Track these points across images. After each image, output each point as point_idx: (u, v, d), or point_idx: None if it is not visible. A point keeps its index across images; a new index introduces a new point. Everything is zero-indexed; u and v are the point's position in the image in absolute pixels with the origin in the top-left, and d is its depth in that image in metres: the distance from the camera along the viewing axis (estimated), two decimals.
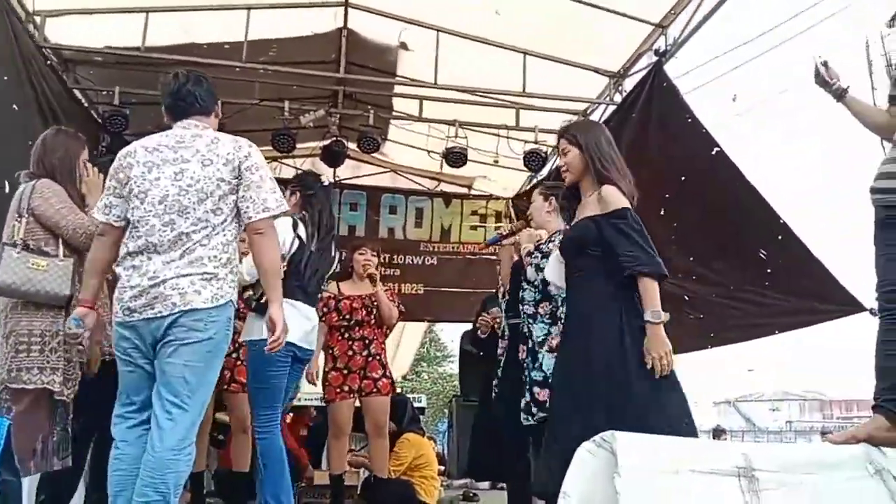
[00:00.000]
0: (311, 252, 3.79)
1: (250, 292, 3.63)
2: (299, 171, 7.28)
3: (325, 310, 4.56)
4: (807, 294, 4.97)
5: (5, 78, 4.65)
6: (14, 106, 4.68)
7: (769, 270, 5.04)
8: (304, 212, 3.87)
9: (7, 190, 4.07)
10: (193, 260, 2.66)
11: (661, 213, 5.45)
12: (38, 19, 5.47)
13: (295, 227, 3.74)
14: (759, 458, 2.32)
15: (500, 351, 4.19)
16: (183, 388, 2.60)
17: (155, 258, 2.66)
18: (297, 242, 3.72)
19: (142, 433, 2.65)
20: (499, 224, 7.90)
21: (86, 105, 6.29)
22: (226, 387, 4.41)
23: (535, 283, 3.67)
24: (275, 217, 2.85)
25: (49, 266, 3.00)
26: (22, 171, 3.27)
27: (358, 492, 5.37)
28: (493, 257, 6.14)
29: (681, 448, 2.39)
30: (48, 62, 5.47)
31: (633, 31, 5.61)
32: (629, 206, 2.93)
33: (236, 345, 4.31)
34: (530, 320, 3.70)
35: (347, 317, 4.61)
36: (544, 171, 7.14)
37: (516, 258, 4.07)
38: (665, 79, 5.39)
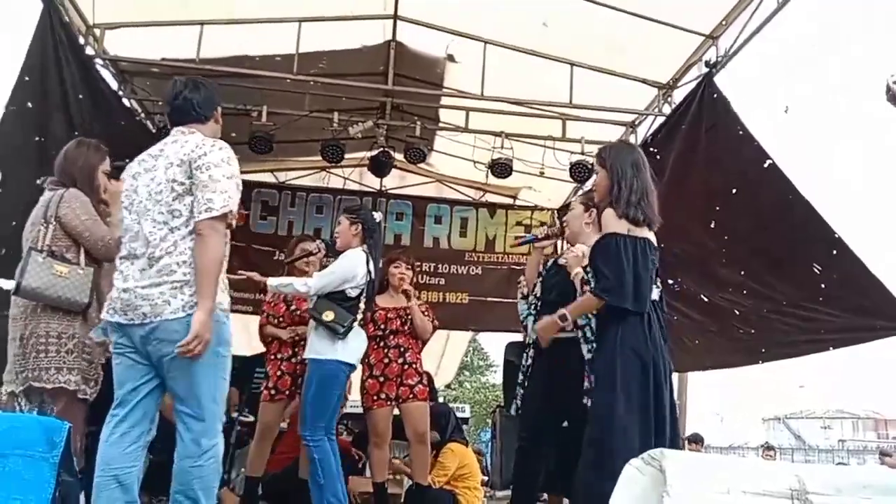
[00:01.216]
0: (373, 283, 4.11)
1: (331, 316, 3.88)
2: (355, 204, 7.45)
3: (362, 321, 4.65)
4: (862, 310, 4.83)
5: (27, 78, 4.79)
6: (28, 104, 4.80)
7: (823, 285, 4.91)
8: (365, 244, 4.10)
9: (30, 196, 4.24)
10: (161, 268, 2.63)
11: (712, 225, 5.38)
12: (97, 32, 5.66)
13: (367, 261, 4.02)
14: (813, 480, 2.26)
15: (527, 360, 4.07)
16: (188, 397, 2.65)
17: (135, 263, 2.68)
18: (367, 276, 4.02)
19: (124, 432, 2.64)
20: (542, 223, 7.85)
21: (140, 116, 6.47)
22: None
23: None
24: (216, 218, 2.64)
25: (70, 273, 3.11)
26: (46, 178, 3.37)
27: (402, 500, 5.38)
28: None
29: (731, 468, 2.35)
30: (98, 72, 5.61)
31: (682, 42, 5.56)
32: (618, 231, 3.09)
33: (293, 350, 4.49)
34: (588, 345, 3.67)
35: (382, 326, 4.66)
36: (590, 183, 7.09)
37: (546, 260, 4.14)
38: (715, 90, 5.31)
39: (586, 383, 3.61)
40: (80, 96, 5.11)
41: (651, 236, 3.23)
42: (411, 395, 4.62)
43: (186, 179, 2.67)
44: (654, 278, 3.26)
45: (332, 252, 4.31)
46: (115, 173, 3.00)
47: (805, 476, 2.27)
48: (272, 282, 4.09)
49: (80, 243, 3.21)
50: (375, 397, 4.61)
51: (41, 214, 3.23)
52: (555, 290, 3.89)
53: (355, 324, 3.96)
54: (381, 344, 4.66)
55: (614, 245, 3.09)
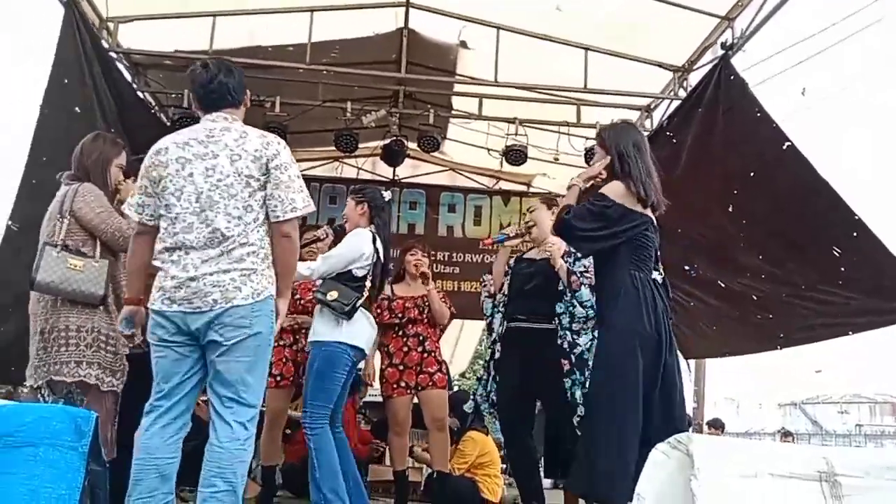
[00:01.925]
0: (382, 264, 3.96)
1: (334, 295, 3.72)
2: (361, 185, 7.42)
3: (378, 311, 4.59)
4: (884, 293, 4.78)
5: (66, 81, 4.81)
6: (77, 109, 4.84)
7: (843, 268, 4.86)
8: (372, 224, 3.98)
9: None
10: (233, 258, 2.66)
11: (730, 209, 5.34)
12: (111, 26, 5.67)
13: (374, 240, 3.88)
14: (842, 463, 2.25)
15: (493, 355, 4.11)
16: (239, 384, 2.65)
17: (192, 253, 2.65)
18: (374, 256, 3.85)
19: (167, 423, 2.65)
20: (508, 223, 7.83)
21: (156, 108, 6.49)
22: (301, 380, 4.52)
23: (591, 303, 3.67)
24: (299, 217, 2.77)
25: (85, 267, 3.11)
26: (64, 173, 3.38)
27: (422, 488, 5.41)
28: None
29: (759, 451, 2.34)
30: (116, 66, 5.65)
31: (698, 24, 5.49)
32: (617, 200, 3.11)
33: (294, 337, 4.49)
34: (574, 335, 3.75)
35: (400, 315, 4.65)
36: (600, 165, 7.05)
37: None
38: (732, 72, 5.24)
39: (566, 366, 3.70)
40: (107, 91, 5.16)
41: (652, 217, 3.23)
42: (430, 383, 4.61)
43: (261, 176, 2.71)
44: (656, 262, 3.27)
45: (341, 234, 4.26)
46: (136, 166, 2.98)
47: (833, 458, 2.25)
48: (302, 274, 3.91)
49: (96, 236, 3.21)
50: (395, 386, 4.61)
51: (57, 209, 3.24)
52: (535, 278, 3.96)
53: (360, 303, 3.78)
54: (400, 333, 4.66)
55: (609, 203, 3.13)
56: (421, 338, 4.67)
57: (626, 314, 3.07)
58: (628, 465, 2.82)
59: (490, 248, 4.24)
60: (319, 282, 3.87)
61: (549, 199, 4.15)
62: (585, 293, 3.70)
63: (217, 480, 2.56)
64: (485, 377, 4.13)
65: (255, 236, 2.70)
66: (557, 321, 3.81)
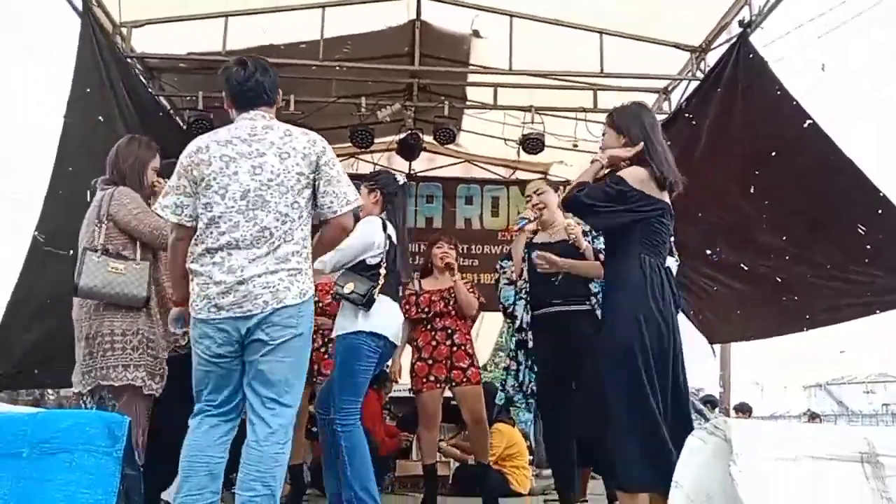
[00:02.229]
0: (397, 250, 3.85)
1: (350, 287, 3.66)
2: (376, 168, 7.43)
3: (406, 306, 4.59)
4: None
5: (88, 90, 4.81)
6: (100, 117, 4.84)
7: (869, 246, 4.78)
8: (384, 211, 3.92)
9: (89, 198, 4.25)
10: (280, 256, 2.64)
11: (751, 190, 5.26)
12: (124, 31, 5.68)
13: (385, 227, 3.80)
14: (883, 443, 2.21)
15: (520, 345, 4.07)
16: (283, 385, 2.63)
17: (236, 254, 2.62)
18: (387, 242, 3.77)
19: (216, 424, 2.66)
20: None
21: (171, 112, 6.50)
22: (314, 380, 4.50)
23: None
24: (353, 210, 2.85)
25: (127, 269, 3.12)
26: (99, 178, 3.40)
27: (450, 481, 5.40)
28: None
29: (797, 433, 2.31)
30: (134, 71, 5.67)
31: (714, 2, 5.41)
32: (635, 186, 3.03)
33: (325, 339, 4.42)
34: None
35: (426, 309, 4.64)
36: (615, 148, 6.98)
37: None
38: (752, 50, 5.15)
39: None
40: (126, 97, 5.15)
41: (668, 201, 3.17)
42: (465, 379, 4.61)
43: (311, 174, 2.73)
44: (670, 248, 3.22)
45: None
46: (168, 169, 2.97)
47: (874, 439, 2.22)
48: (323, 270, 3.80)
49: (135, 238, 3.22)
50: (424, 380, 4.62)
51: (94, 214, 3.25)
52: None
53: (376, 292, 3.68)
54: (428, 327, 4.66)
55: (626, 187, 3.05)
56: (449, 331, 4.66)
57: (633, 297, 3.00)
58: (661, 446, 2.77)
59: (514, 236, 4.18)
60: (336, 276, 3.82)
61: (551, 184, 4.08)
62: None
63: (256, 484, 2.53)
64: (514, 367, 4.08)
65: (299, 234, 2.71)
66: (595, 301, 3.74)
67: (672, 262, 3.21)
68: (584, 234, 3.84)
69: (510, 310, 4.14)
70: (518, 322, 4.06)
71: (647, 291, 2.98)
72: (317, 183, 2.74)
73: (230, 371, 2.66)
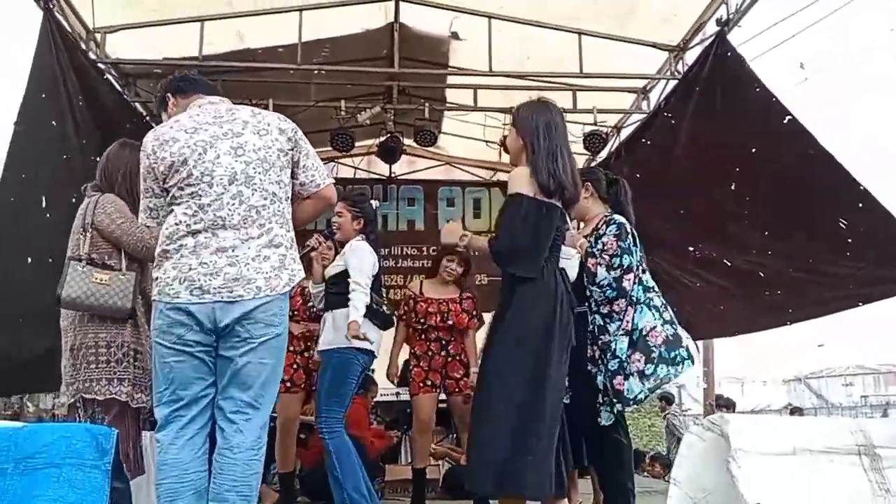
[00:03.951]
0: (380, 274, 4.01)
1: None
2: (353, 192, 7.36)
3: (405, 308, 4.71)
4: (889, 259, 4.76)
5: (43, 96, 4.68)
6: (53, 122, 4.72)
7: (850, 240, 4.84)
8: (364, 235, 3.99)
9: (44, 204, 4.14)
10: (272, 238, 2.53)
11: (732, 187, 5.30)
12: (98, 36, 5.59)
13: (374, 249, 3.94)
14: (879, 435, 2.22)
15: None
16: (259, 387, 2.48)
17: (223, 234, 2.48)
18: (377, 266, 3.92)
19: (193, 434, 2.47)
20: None
21: (146, 118, 6.41)
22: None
23: (607, 281, 3.55)
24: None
25: (111, 280, 3.02)
26: (88, 184, 3.29)
27: (440, 485, 5.37)
28: None
29: (793, 428, 2.30)
30: (104, 77, 5.56)
31: (692, 1, 5.44)
32: (525, 192, 2.94)
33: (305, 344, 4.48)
34: (606, 319, 3.57)
35: (422, 320, 4.67)
36: (604, 153, 7.01)
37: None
38: (729, 48, 5.19)
39: (589, 351, 3.56)
40: (81, 103, 4.97)
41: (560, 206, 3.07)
42: (457, 389, 4.66)
43: (290, 150, 2.66)
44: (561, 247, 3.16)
45: (333, 240, 4.21)
46: None
47: (870, 431, 2.22)
48: (359, 318, 3.74)
49: (119, 247, 3.15)
50: (421, 384, 4.66)
51: (80, 222, 3.15)
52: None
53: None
54: (423, 336, 4.69)
55: (517, 206, 2.98)
56: (443, 342, 4.70)
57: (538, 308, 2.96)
58: None
59: None
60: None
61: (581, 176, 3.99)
62: (601, 273, 3.56)
63: (231, 495, 2.39)
64: None
65: (286, 215, 2.62)
66: (587, 305, 3.63)
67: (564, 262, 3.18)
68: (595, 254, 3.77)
69: None
70: None
71: (545, 294, 3.00)
72: (296, 158, 2.67)
73: (202, 361, 2.48)
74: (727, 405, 9.35)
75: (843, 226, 4.86)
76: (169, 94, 2.83)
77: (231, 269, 2.46)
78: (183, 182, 2.53)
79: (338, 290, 3.85)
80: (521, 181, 2.99)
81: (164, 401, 2.49)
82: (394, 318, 3.99)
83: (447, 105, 7.02)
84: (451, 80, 6.81)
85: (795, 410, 12.81)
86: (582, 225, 3.97)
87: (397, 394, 5.01)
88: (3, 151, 4.49)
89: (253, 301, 2.46)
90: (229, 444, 2.43)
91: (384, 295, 4.21)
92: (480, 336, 4.49)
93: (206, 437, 2.50)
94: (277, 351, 2.55)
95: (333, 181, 2.80)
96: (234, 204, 2.50)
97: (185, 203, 2.52)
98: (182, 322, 2.45)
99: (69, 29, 5.16)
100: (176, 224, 2.52)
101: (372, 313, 3.79)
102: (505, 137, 3.34)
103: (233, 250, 2.48)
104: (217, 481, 2.41)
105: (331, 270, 3.99)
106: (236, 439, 2.43)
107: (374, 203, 4.27)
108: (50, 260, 3.73)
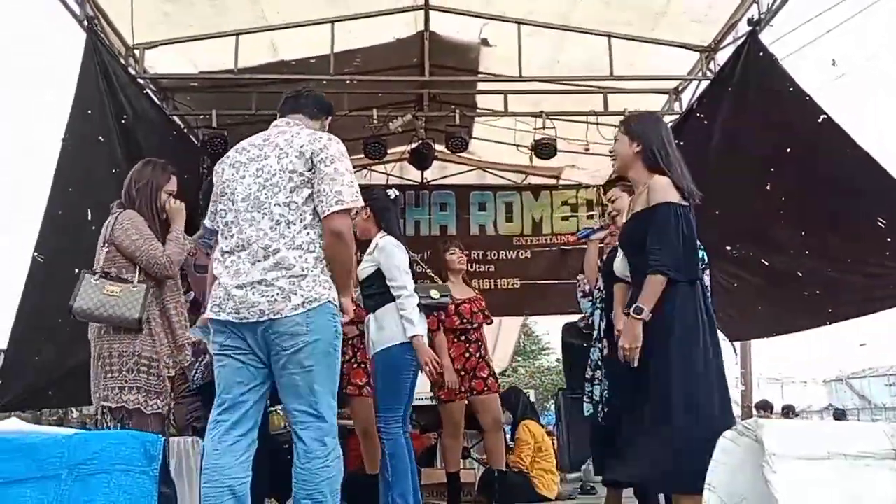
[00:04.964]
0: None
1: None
2: (388, 179, 7.47)
3: (444, 315, 4.68)
4: None
5: (89, 111, 4.80)
6: (100, 137, 4.84)
7: (889, 239, 4.77)
8: (380, 227, 3.93)
9: (90, 217, 4.26)
10: (279, 261, 2.53)
11: (767, 188, 5.25)
12: (137, 52, 5.74)
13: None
14: None
15: (598, 353, 3.98)
16: (307, 395, 2.54)
17: (243, 256, 2.57)
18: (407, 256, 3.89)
19: (235, 440, 2.53)
20: (591, 214, 7.78)
21: (185, 130, 6.56)
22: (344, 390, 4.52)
23: None
24: (346, 212, 2.63)
25: (122, 292, 3.15)
26: (115, 202, 3.43)
27: (476, 488, 5.40)
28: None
29: (828, 432, 2.29)
30: (144, 91, 5.71)
31: (723, 1, 5.41)
32: (673, 200, 2.99)
33: (354, 349, 4.47)
34: None
35: (468, 319, 4.75)
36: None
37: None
38: (761, 47, 5.15)
39: None
40: (124, 119, 5.11)
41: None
42: (485, 388, 4.71)
43: (307, 171, 2.60)
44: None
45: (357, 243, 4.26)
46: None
47: None
48: (419, 332, 3.78)
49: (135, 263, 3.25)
50: (455, 391, 4.67)
51: (102, 237, 3.31)
52: None
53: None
54: (462, 338, 4.72)
55: (672, 216, 3.00)
56: (479, 343, 4.79)
57: (682, 304, 3.01)
58: None
59: (575, 244, 4.19)
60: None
61: (627, 186, 3.91)
62: None
63: (306, 503, 2.51)
64: (598, 377, 3.97)
65: (303, 238, 2.58)
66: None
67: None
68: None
69: (590, 321, 4.10)
70: (596, 332, 3.99)
71: (694, 296, 3.04)
72: (313, 181, 2.60)
73: (242, 366, 2.57)
74: (765, 408, 9.23)
75: (881, 225, 4.79)
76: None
77: (238, 292, 2.56)
78: (220, 198, 2.72)
79: (374, 292, 3.85)
80: (667, 190, 3.04)
81: (214, 406, 2.62)
82: (446, 297, 4.01)
83: (478, 111, 7.06)
84: (481, 86, 6.86)
85: (839, 415, 12.52)
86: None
87: (432, 398, 5.04)
88: (52, 166, 4.61)
89: (259, 324, 2.55)
90: (298, 454, 2.55)
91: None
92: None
93: (248, 444, 2.57)
94: (317, 356, 2.55)
95: (345, 208, 2.60)
96: (250, 229, 2.60)
97: (219, 221, 2.71)
98: (219, 330, 2.62)
99: (110, 44, 5.32)
100: (219, 246, 2.71)
101: (423, 308, 3.82)
102: (616, 141, 3.37)
103: (246, 275, 2.57)
104: (294, 490, 2.54)
105: (361, 273, 3.91)
106: (301, 450, 2.55)
107: (391, 192, 4.19)
108: None
